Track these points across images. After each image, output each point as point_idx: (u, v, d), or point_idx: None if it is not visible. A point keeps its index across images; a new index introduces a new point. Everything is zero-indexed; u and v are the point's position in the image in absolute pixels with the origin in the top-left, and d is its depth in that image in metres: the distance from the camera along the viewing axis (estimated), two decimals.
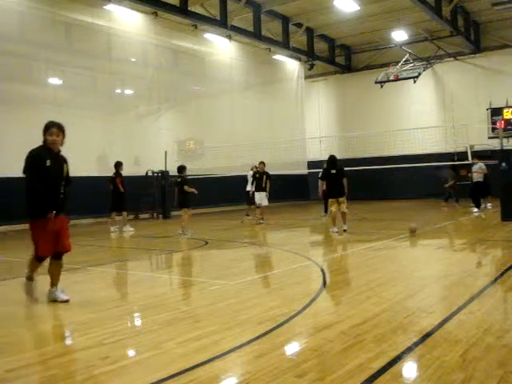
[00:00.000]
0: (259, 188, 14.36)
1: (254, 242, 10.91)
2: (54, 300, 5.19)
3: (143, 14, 18.48)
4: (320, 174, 12.42)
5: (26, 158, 5.06)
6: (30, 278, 5.32)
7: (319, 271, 6.69)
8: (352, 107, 27.27)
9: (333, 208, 11.31)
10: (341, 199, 11.14)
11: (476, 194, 16.05)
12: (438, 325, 4.00)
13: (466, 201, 17.68)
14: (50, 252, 5.16)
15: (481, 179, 15.80)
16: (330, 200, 11.45)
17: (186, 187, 11.63)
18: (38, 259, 5.19)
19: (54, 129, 5.16)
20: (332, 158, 11.49)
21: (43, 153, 5.08)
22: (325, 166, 11.75)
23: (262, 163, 14.56)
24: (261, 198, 14.27)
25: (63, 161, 5.27)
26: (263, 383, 2.98)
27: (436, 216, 16.01)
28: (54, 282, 5.28)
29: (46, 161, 5.01)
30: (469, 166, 19.42)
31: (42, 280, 6.91)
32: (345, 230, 11.11)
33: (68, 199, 5.28)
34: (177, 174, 12.19)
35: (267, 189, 14.46)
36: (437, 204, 19.38)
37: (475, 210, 15.86)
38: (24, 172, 5.05)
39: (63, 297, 5.21)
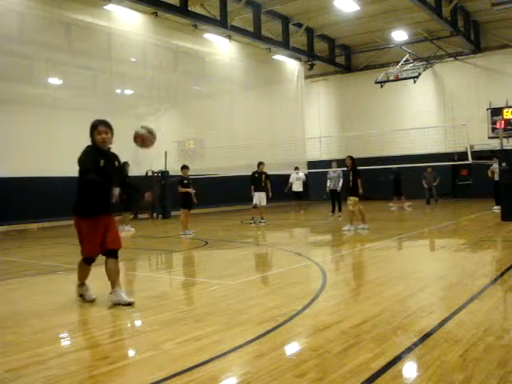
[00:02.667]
0: (258, 188, 14.37)
1: (254, 242, 10.91)
2: (117, 303, 5.00)
3: (143, 14, 18.48)
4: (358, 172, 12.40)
5: (81, 158, 4.91)
6: (81, 285, 5.33)
7: (319, 271, 6.69)
8: (352, 107, 27.26)
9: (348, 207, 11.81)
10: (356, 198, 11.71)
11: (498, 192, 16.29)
12: (438, 325, 4.00)
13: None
14: (97, 251, 5.10)
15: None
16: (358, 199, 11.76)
17: (178, 188, 11.72)
18: (85, 260, 5.19)
19: (101, 127, 4.97)
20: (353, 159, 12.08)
21: (95, 153, 4.96)
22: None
23: (262, 163, 14.57)
24: (260, 198, 14.28)
25: (115, 159, 5.16)
26: (263, 383, 2.98)
27: (436, 216, 16.02)
28: (113, 284, 5.10)
29: (99, 161, 4.91)
30: (469, 166, 19.51)
31: (45, 279, 6.92)
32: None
33: (131, 199, 5.30)
34: (178, 174, 12.26)
35: (268, 189, 14.48)
36: (437, 204, 19.37)
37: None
38: (80, 171, 4.92)
39: (126, 299, 5.01)
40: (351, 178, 11.74)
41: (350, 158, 12.07)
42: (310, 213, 19.65)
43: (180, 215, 12.05)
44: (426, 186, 19.25)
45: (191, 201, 11.90)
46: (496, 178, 16.17)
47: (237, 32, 20.69)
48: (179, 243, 10.97)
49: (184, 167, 12.07)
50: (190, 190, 11.79)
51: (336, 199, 15.87)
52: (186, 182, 11.88)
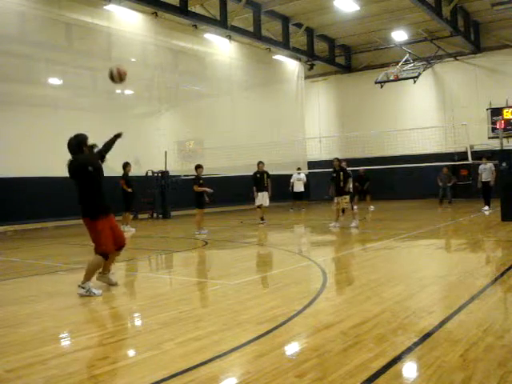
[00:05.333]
0: (261, 188, 14.23)
1: (254, 242, 10.90)
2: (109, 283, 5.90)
3: (143, 14, 18.48)
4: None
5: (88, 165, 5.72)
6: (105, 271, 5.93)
7: (319, 271, 6.69)
8: (352, 107, 27.25)
9: (340, 206, 12.66)
10: (347, 197, 12.68)
11: (486, 193, 16.48)
12: (438, 325, 4.00)
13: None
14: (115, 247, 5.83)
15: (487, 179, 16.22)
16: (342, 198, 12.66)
17: (194, 187, 11.80)
18: (105, 256, 5.65)
19: None
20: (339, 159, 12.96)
21: None
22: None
23: (261, 163, 14.49)
24: (263, 199, 14.19)
25: None
26: (263, 383, 2.98)
27: (436, 216, 16.02)
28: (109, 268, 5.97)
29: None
30: (469, 166, 19.54)
31: (45, 279, 6.92)
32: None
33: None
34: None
35: (269, 189, 14.42)
36: (437, 204, 19.36)
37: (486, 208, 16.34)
38: (83, 177, 5.68)
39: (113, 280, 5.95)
40: (342, 179, 12.48)
41: (338, 159, 12.94)
42: (311, 213, 19.65)
43: (195, 215, 12.11)
44: (440, 184, 19.23)
45: (205, 200, 11.99)
46: (484, 178, 16.22)
47: (237, 32, 20.69)
48: (179, 243, 10.97)
49: (199, 166, 12.12)
50: (208, 190, 11.86)
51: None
52: (201, 181, 11.91)
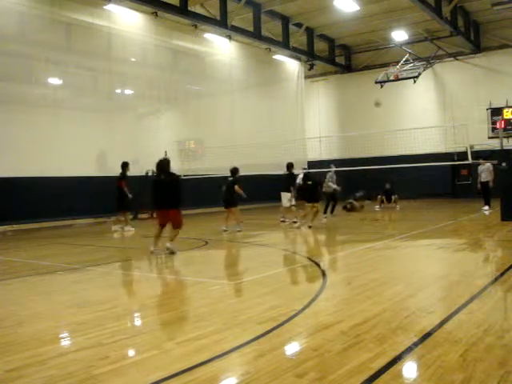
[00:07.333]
0: (286, 189, 14.31)
1: (254, 242, 10.90)
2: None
3: (143, 14, 18.45)
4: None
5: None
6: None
7: (319, 271, 6.69)
8: (352, 107, 27.23)
9: (309, 209, 13.08)
10: (316, 204, 12.93)
11: (486, 192, 16.54)
12: (438, 325, 4.01)
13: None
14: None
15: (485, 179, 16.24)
16: (308, 204, 13.06)
17: (236, 187, 12.43)
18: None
19: None
20: (306, 175, 13.81)
21: None
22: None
23: (291, 164, 14.54)
24: (287, 199, 14.23)
25: None
26: (263, 383, 2.98)
27: (436, 216, 16.02)
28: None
29: None
30: (469, 166, 19.53)
31: (45, 279, 6.92)
32: (310, 227, 12.80)
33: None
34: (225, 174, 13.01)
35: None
36: (437, 204, 19.37)
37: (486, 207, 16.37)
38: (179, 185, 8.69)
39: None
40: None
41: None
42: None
43: (236, 213, 12.61)
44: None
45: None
46: (483, 178, 16.27)
47: (237, 32, 20.67)
48: (179, 243, 10.95)
49: (238, 170, 12.84)
50: (243, 194, 12.54)
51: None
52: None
